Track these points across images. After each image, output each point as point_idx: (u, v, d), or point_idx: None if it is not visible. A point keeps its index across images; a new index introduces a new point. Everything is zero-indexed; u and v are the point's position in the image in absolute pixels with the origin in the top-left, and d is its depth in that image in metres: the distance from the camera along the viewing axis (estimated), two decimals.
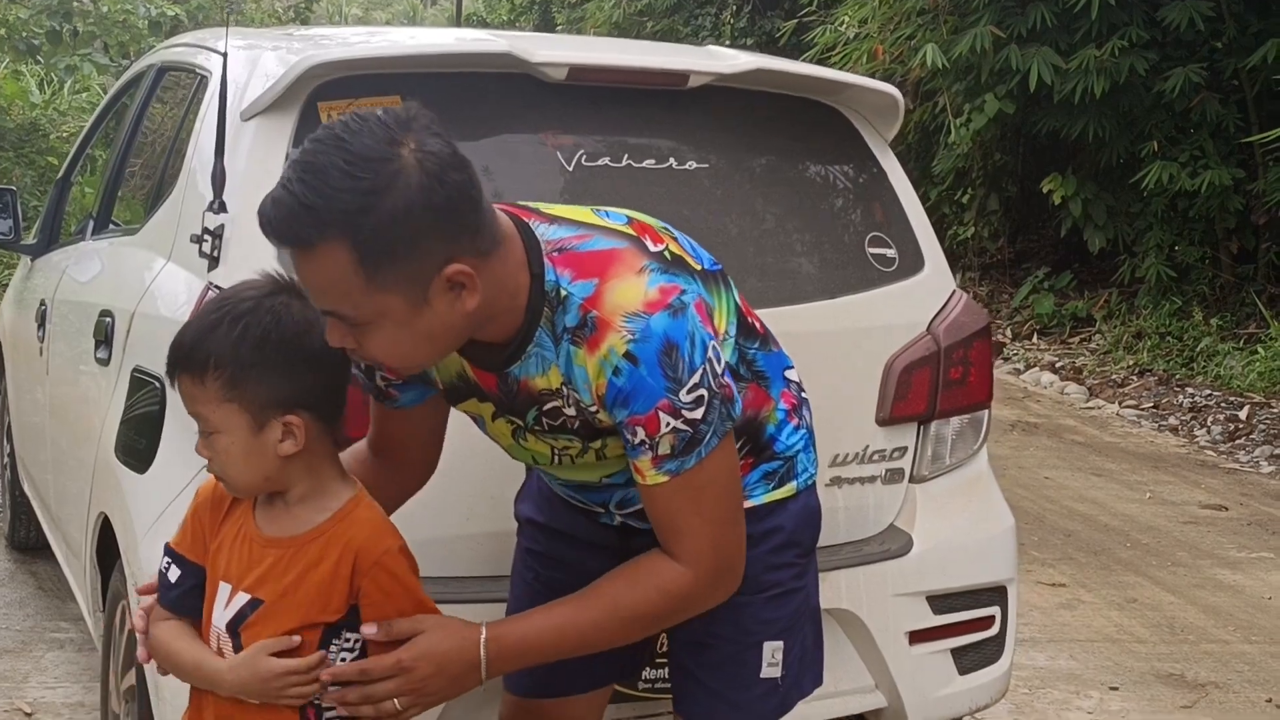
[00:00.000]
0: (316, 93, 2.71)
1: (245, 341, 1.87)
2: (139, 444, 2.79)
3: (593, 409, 1.98)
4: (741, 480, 2.12)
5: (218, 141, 2.62)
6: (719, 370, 1.95)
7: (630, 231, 2.03)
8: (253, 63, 2.91)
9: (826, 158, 3.12)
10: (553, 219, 2.02)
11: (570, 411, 2.01)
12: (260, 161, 2.66)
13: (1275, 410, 8.27)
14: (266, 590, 1.92)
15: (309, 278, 1.84)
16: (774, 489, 2.23)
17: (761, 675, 2.25)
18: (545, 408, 2.03)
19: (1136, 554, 5.68)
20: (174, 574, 2.00)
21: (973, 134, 11.38)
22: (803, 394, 2.30)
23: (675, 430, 1.92)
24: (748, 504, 2.17)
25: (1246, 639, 4.76)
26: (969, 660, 3.07)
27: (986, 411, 3.23)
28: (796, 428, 2.26)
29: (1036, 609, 4.93)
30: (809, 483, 2.29)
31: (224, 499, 1.99)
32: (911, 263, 3.09)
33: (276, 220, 1.79)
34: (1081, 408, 8.91)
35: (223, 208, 2.64)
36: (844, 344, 2.91)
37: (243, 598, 1.92)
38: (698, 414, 1.92)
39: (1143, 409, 8.73)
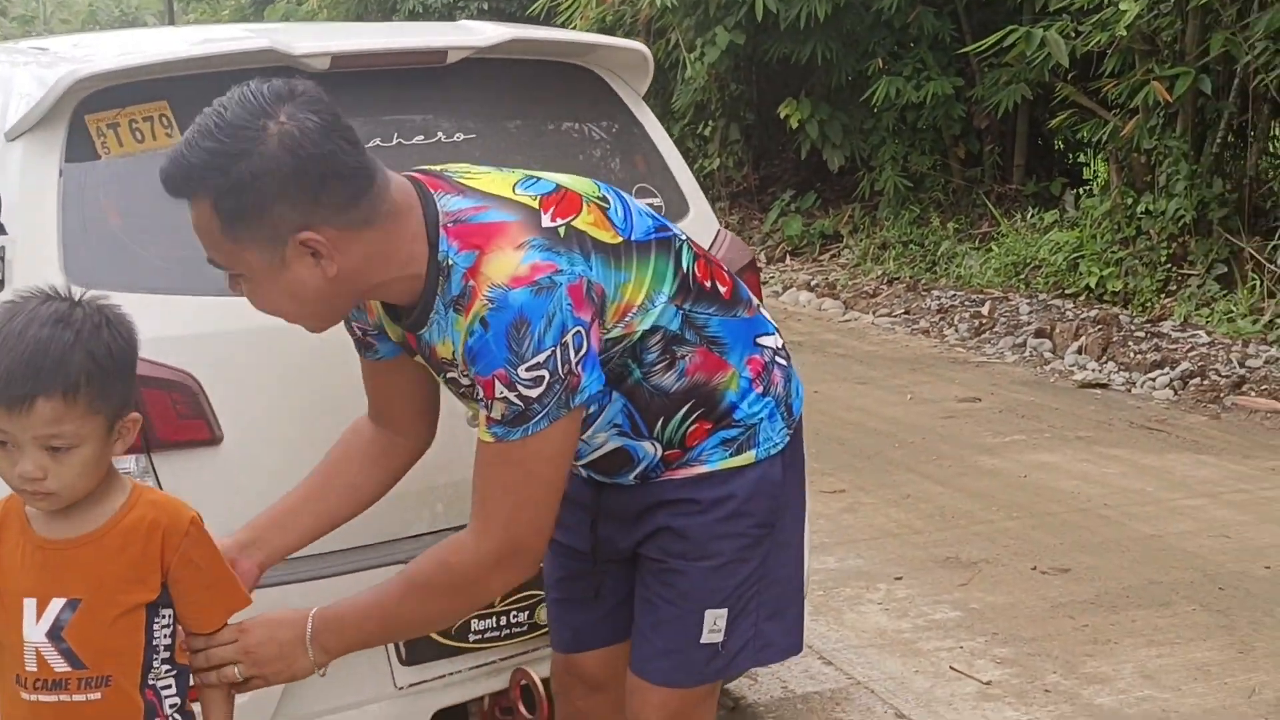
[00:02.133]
0: (83, 105, 2.73)
1: (105, 351, 1.92)
2: None
3: (445, 353, 2.11)
4: (564, 454, 2.11)
5: None
6: (573, 357, 2.00)
7: (532, 204, 2.10)
8: (6, 81, 2.91)
9: (587, 117, 3.29)
10: (462, 189, 2.11)
11: (465, 381, 2.11)
12: (33, 180, 2.68)
13: (1013, 303, 8.83)
14: (80, 589, 1.97)
15: (193, 223, 2.03)
16: (731, 456, 2.27)
17: (702, 640, 2.30)
18: (446, 376, 2.18)
19: (905, 453, 6.08)
20: None
21: (707, 67, 11.69)
22: (778, 360, 2.33)
23: (507, 401, 2.01)
24: (702, 469, 2.26)
25: (1009, 516, 5.17)
26: None
27: None
28: (761, 395, 2.28)
29: (822, 516, 5.24)
30: (771, 453, 2.30)
31: None
32: (678, 208, 3.29)
33: (165, 174, 2.00)
34: (839, 321, 9.35)
35: (0, 229, 2.66)
36: None
37: (57, 603, 1.96)
38: (533, 393, 1.99)
39: (895, 316, 9.21)
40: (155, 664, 2.07)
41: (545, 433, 2.04)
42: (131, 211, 2.75)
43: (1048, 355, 7.80)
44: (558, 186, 2.18)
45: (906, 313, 9.24)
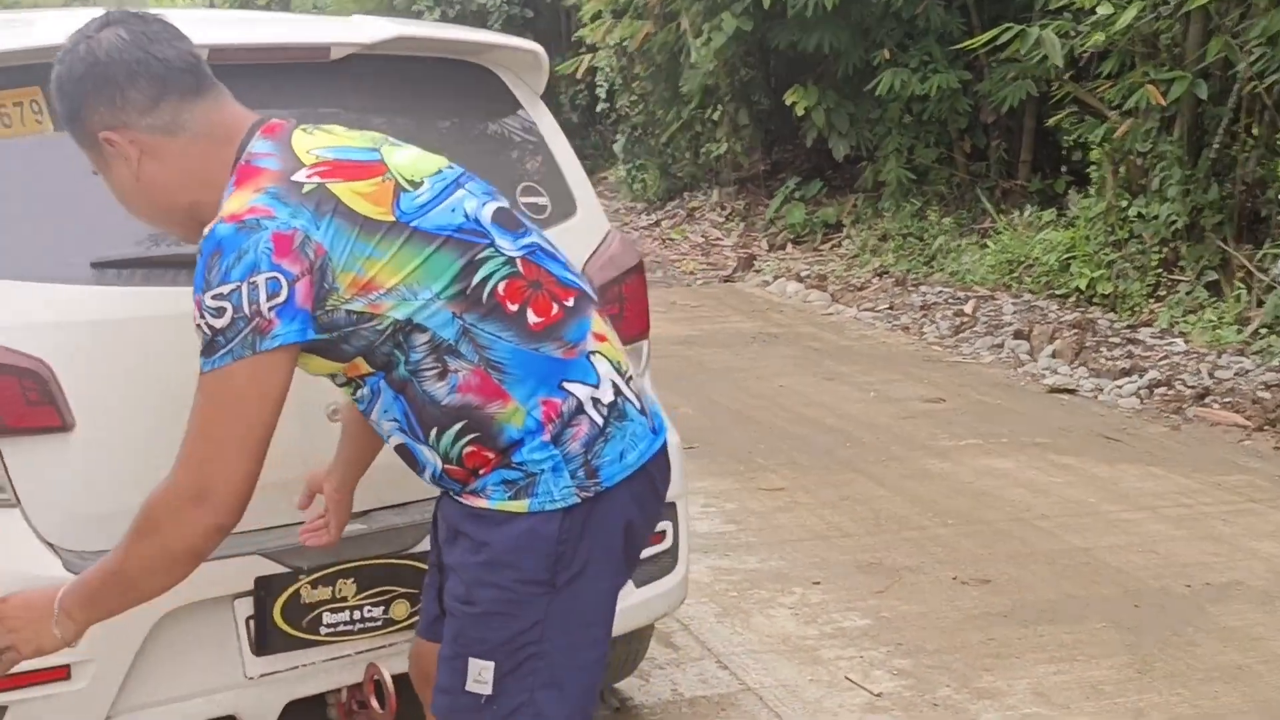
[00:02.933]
0: None
1: None
2: None
3: None
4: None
5: None
6: (263, 300, 2.03)
7: (305, 160, 2.15)
8: None
9: (478, 115, 3.29)
10: (278, 138, 2.19)
11: None
12: None
13: (997, 302, 8.78)
14: None
15: None
16: (508, 499, 2.19)
17: (466, 688, 2.23)
18: None
19: (856, 452, 6.06)
20: None
21: (714, 52, 11.66)
22: (589, 414, 2.21)
23: (199, 328, 2.08)
24: (483, 503, 2.19)
25: (943, 523, 5.16)
26: (644, 573, 3.31)
27: (645, 342, 3.45)
28: (547, 444, 2.18)
29: (755, 514, 5.26)
30: (547, 508, 2.18)
31: None
32: (564, 209, 3.29)
33: None
34: (822, 314, 9.32)
35: None
36: None
37: None
38: (217, 323, 2.05)
39: (879, 311, 9.18)
40: None
41: (230, 369, 2.07)
42: None
43: (1024, 357, 7.76)
44: (374, 158, 2.21)
45: (890, 308, 9.20)
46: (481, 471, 2.21)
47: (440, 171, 2.26)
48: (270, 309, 2.04)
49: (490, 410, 2.17)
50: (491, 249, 2.19)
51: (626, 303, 3.32)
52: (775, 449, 6.09)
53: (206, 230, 2.07)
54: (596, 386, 2.23)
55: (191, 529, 2.12)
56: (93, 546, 2.70)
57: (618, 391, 2.26)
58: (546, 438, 2.17)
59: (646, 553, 3.28)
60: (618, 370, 2.28)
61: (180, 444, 2.15)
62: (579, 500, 2.19)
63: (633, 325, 3.36)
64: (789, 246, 11.80)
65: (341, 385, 2.32)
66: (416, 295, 2.13)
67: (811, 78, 11.79)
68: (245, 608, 2.83)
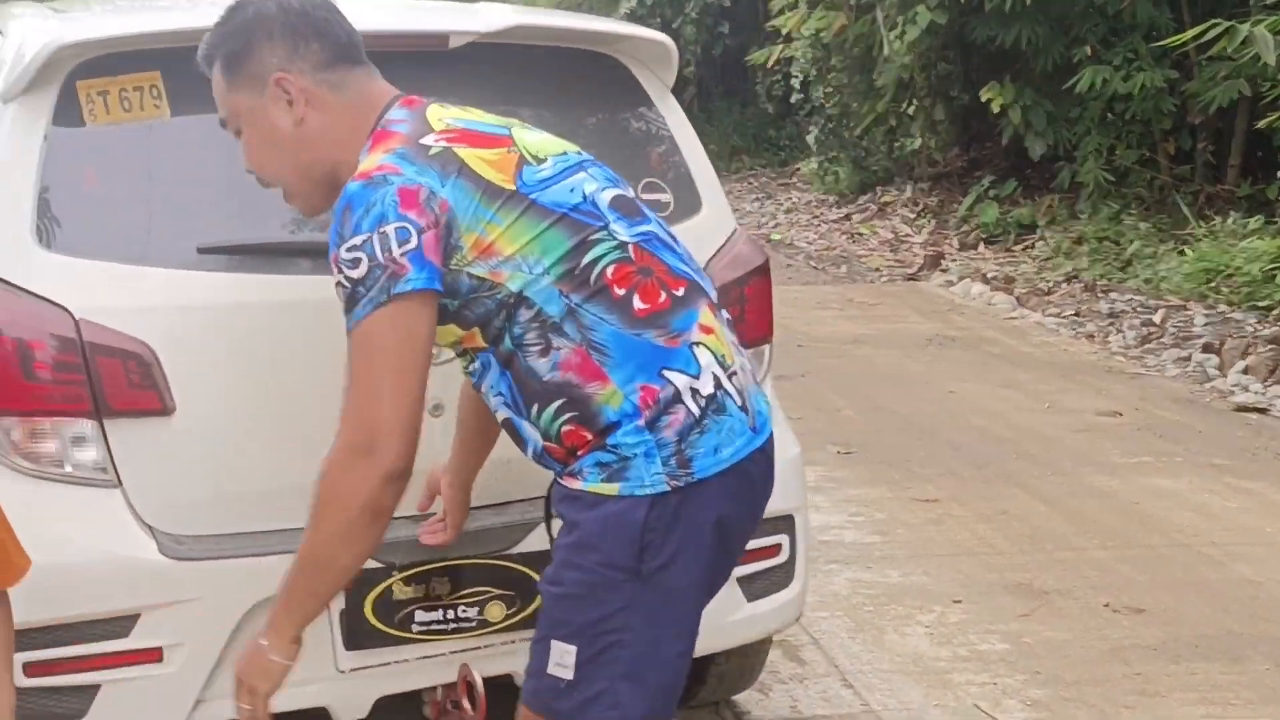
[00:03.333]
0: (76, 72, 2.78)
1: None
2: None
3: None
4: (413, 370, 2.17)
5: None
6: (394, 248, 2.11)
7: (434, 125, 2.25)
8: (19, 43, 2.98)
9: (602, 106, 3.21)
10: (415, 108, 2.30)
11: None
12: (17, 145, 2.73)
13: (1189, 313, 8.37)
14: None
15: (215, 95, 2.37)
16: (601, 481, 2.20)
17: (548, 671, 2.23)
18: None
19: (1019, 465, 5.82)
20: None
21: (908, 45, 11.39)
22: (687, 405, 2.20)
23: (340, 284, 2.16)
24: (579, 485, 2.21)
25: (1102, 544, 4.90)
26: (757, 587, 3.19)
27: (768, 346, 3.32)
28: (642, 430, 2.18)
29: (904, 526, 5.08)
30: (636, 494, 2.18)
31: None
32: (688, 206, 3.18)
33: (198, 55, 2.38)
34: (1005, 318, 9.01)
35: None
36: None
37: None
38: (354, 273, 2.13)
39: (1064, 317, 8.83)
40: None
41: (373, 318, 2.13)
42: (108, 180, 2.79)
43: (1211, 372, 7.37)
44: (503, 133, 2.30)
45: (1076, 314, 8.84)
46: (580, 452, 2.22)
47: (565, 154, 2.33)
48: (402, 255, 2.12)
49: (589, 390, 2.19)
50: (605, 232, 2.23)
51: (749, 304, 3.19)
52: (934, 458, 5.88)
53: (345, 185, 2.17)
54: (696, 377, 2.23)
55: (366, 483, 2.15)
56: (188, 531, 2.72)
57: (718, 385, 2.25)
58: (641, 423, 2.19)
59: (757, 566, 3.20)
60: (720, 363, 2.27)
61: (342, 413, 2.20)
62: (669, 489, 2.18)
63: (755, 328, 3.23)
64: (980, 246, 11.46)
65: (459, 355, 2.37)
66: (530, 268, 2.19)
67: (1010, 74, 11.42)
68: (338, 601, 2.80)
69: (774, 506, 3.14)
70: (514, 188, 2.20)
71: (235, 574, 2.70)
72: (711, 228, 3.19)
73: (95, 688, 2.67)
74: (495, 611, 2.90)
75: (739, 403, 2.27)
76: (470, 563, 2.86)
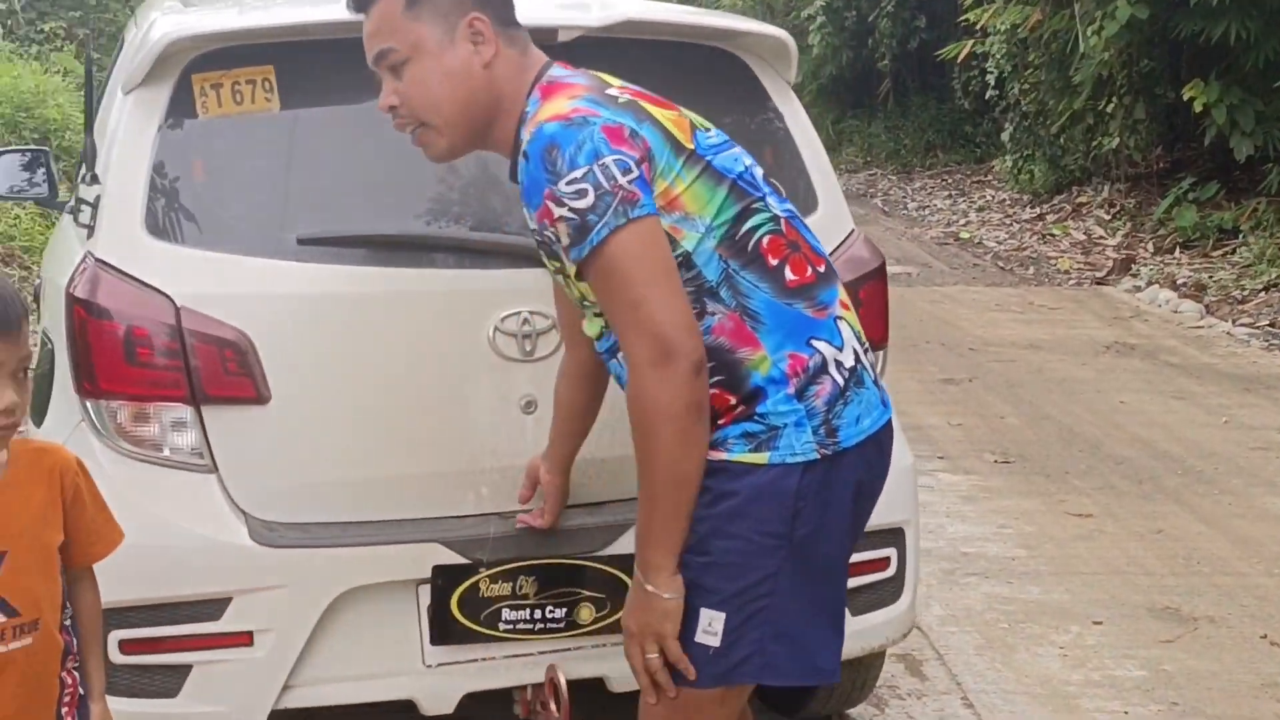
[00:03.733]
0: (192, 65, 2.84)
1: None
2: (39, 399, 3.01)
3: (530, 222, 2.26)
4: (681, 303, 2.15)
5: (86, 116, 2.78)
6: (619, 176, 2.12)
7: (609, 81, 2.30)
8: (146, 34, 3.05)
9: (717, 101, 3.12)
10: (576, 68, 2.36)
11: (540, 236, 2.26)
12: (134, 134, 2.80)
13: None
14: (4, 540, 2.08)
15: (370, 27, 2.33)
16: (749, 451, 2.22)
17: (696, 639, 2.24)
18: (543, 249, 2.30)
19: (1185, 481, 5.55)
20: None
21: (1105, 41, 10.98)
22: (832, 375, 2.25)
23: (564, 219, 2.15)
24: (723, 455, 2.21)
25: (1268, 571, 4.63)
26: (863, 600, 3.09)
27: (881, 352, 3.21)
28: (791, 398, 2.22)
29: (1052, 540, 4.89)
30: (788, 460, 2.21)
31: None
32: (804, 204, 3.09)
33: None
34: (1190, 327, 8.62)
35: (95, 179, 2.81)
36: None
37: None
38: (582, 204, 2.12)
39: (1257, 327, 8.41)
40: (66, 604, 2.20)
41: (616, 238, 2.13)
42: (214, 171, 2.84)
43: None
44: (669, 101, 2.34)
45: (1271, 325, 8.41)
46: (722, 422, 2.23)
47: (719, 129, 2.38)
48: (629, 182, 2.14)
49: (740, 355, 2.22)
50: (763, 204, 2.28)
51: (863, 306, 3.08)
52: (1094, 470, 5.65)
53: (529, 133, 2.19)
54: (840, 350, 2.28)
55: (681, 383, 2.12)
56: (279, 518, 2.76)
57: (858, 358, 2.31)
58: (791, 390, 2.22)
59: (864, 579, 3.11)
60: (858, 339, 2.34)
61: (618, 337, 2.20)
62: (818, 457, 2.22)
63: (869, 331, 3.07)
64: (1176, 251, 11.00)
65: (595, 316, 2.35)
66: (696, 225, 2.22)
67: (1218, 70, 10.91)
68: (427, 595, 2.81)
69: (883, 519, 3.06)
70: (692, 147, 2.25)
71: (322, 563, 2.73)
72: (828, 226, 3.10)
73: (187, 668, 2.72)
74: (584, 614, 2.87)
75: (872, 377, 2.36)
76: (559, 563, 2.84)
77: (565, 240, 2.17)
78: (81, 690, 2.28)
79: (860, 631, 3.11)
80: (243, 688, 2.73)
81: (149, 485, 2.71)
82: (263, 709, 2.74)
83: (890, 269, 3.59)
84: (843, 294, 2.37)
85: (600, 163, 2.13)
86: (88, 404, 2.72)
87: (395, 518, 2.80)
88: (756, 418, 2.22)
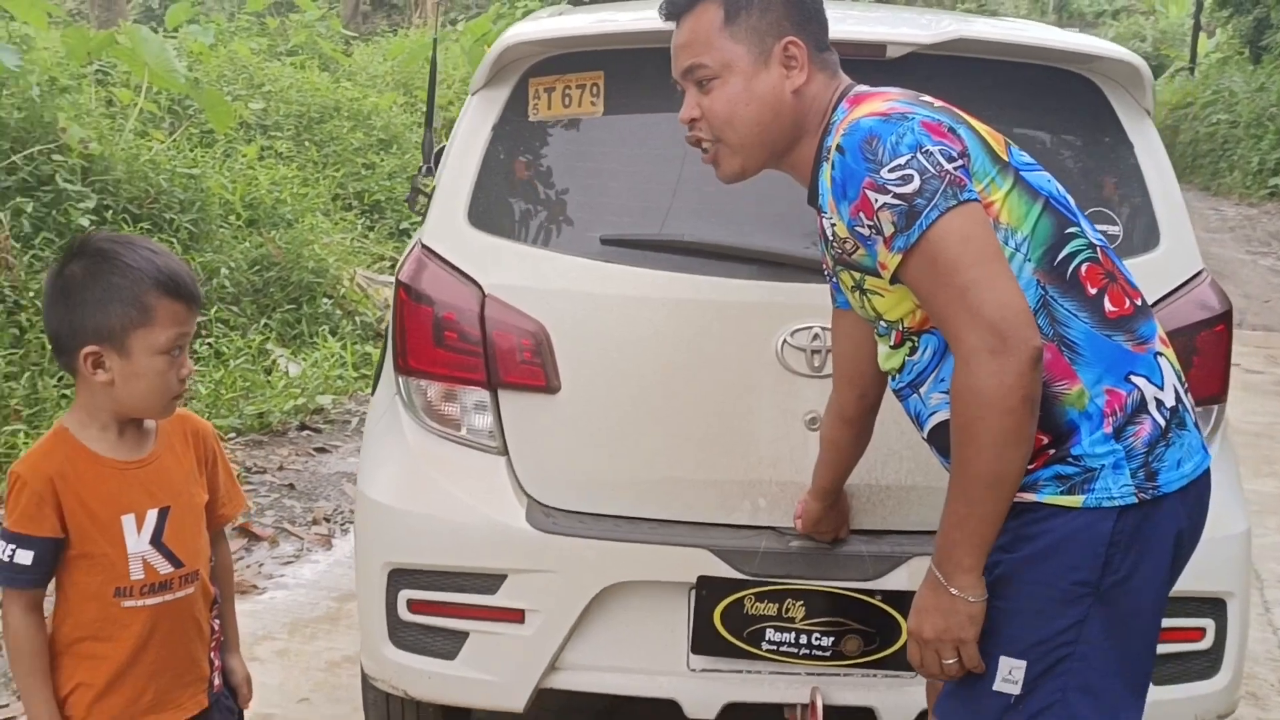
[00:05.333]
0: (531, 70, 2.98)
1: None
2: (376, 371, 3.27)
3: (832, 222, 2.23)
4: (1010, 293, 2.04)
5: (428, 112, 2.98)
6: (945, 163, 2.07)
7: (927, 98, 2.26)
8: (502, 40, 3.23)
9: (1054, 126, 2.96)
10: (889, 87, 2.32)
11: (849, 245, 2.22)
12: (471, 132, 2.99)
13: None
14: (166, 497, 2.28)
15: (681, 39, 2.35)
16: (1060, 494, 2.11)
17: (994, 687, 2.14)
18: (842, 265, 2.29)
19: None
20: (25, 557, 2.19)
21: None
22: (1152, 414, 2.12)
23: (888, 206, 2.08)
24: (1030, 497, 2.11)
25: None
26: (1167, 671, 2.83)
27: (1218, 406, 2.92)
28: (1109, 437, 2.11)
29: None
30: (1103, 504, 2.09)
31: (65, 473, 2.21)
32: (1144, 240, 2.88)
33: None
34: None
35: (430, 172, 3.01)
36: None
37: (152, 514, 2.27)
38: (908, 189, 2.06)
39: None
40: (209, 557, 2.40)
41: (945, 220, 2.05)
42: (535, 170, 2.98)
43: None
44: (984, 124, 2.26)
45: None
46: (1031, 466, 2.11)
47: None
48: (955, 169, 2.09)
49: (1055, 389, 2.11)
50: (1078, 229, 2.18)
51: (1198, 354, 2.85)
52: None
53: (841, 132, 2.15)
54: (1161, 388, 2.16)
55: (1016, 375, 1.99)
56: (558, 504, 2.87)
57: (1179, 398, 2.18)
58: (1108, 429, 2.11)
59: (1173, 648, 2.86)
60: (1179, 378, 2.21)
61: (945, 334, 2.10)
62: (1136, 501, 2.10)
63: (1205, 384, 2.87)
64: None
65: (893, 347, 2.31)
66: (1015, 246, 2.13)
67: None
68: (691, 606, 2.83)
69: (1202, 585, 2.85)
70: (1007, 159, 2.19)
71: (592, 554, 2.81)
72: (1170, 265, 2.88)
73: (464, 635, 2.89)
74: (851, 645, 2.81)
75: (1193, 419, 2.21)
76: (828, 590, 2.79)
77: (889, 229, 2.09)
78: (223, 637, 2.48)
79: (1162, 702, 2.86)
80: (512, 662, 2.87)
81: (445, 460, 2.89)
82: (529, 685, 2.87)
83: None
84: (1161, 330, 2.23)
85: (924, 149, 2.08)
86: (399, 380, 2.93)
87: (668, 518, 2.85)
88: (1071, 459, 2.11)
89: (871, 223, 2.11)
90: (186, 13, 11.81)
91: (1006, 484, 2.06)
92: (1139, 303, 2.20)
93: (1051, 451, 2.11)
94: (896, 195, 2.06)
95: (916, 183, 2.05)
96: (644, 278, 2.84)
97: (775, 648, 2.82)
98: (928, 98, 2.25)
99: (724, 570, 2.78)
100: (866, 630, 2.80)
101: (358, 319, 7.93)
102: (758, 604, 2.80)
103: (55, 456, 2.22)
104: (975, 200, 2.08)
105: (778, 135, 2.30)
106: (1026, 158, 2.24)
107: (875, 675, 2.84)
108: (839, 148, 2.14)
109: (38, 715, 2.22)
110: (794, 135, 2.30)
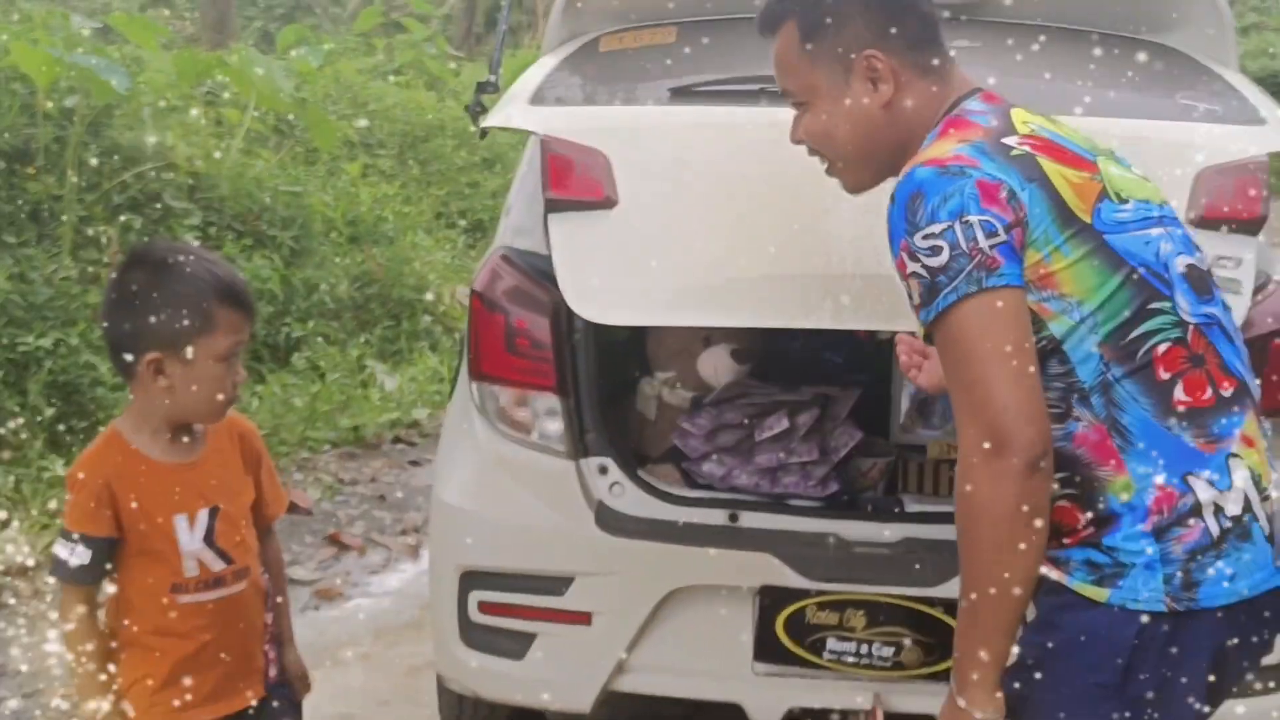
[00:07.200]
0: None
1: None
2: (455, 375, 3.35)
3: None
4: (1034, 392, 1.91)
5: (500, 22, 3.23)
6: (981, 239, 1.92)
7: (1018, 128, 2.07)
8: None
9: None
10: (997, 104, 2.15)
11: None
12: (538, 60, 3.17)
13: None
14: (216, 497, 2.37)
15: (775, 58, 2.29)
16: (1089, 583, 1.99)
17: None
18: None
19: None
20: (83, 555, 2.28)
21: None
22: (1206, 523, 1.95)
23: (915, 275, 1.97)
24: (1061, 577, 2.00)
25: None
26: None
27: None
28: (1147, 535, 1.96)
29: None
30: (1128, 606, 1.95)
31: (121, 475, 2.29)
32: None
33: (759, 15, 2.31)
34: None
35: (495, 87, 3.25)
36: None
37: (204, 514, 2.35)
38: (934, 262, 1.94)
39: None
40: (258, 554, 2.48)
41: (963, 308, 1.93)
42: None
43: None
44: (1089, 157, 2.07)
45: None
46: (1067, 541, 2.01)
47: (1149, 201, 2.08)
48: (991, 247, 1.93)
49: (1099, 474, 1.98)
50: (1169, 303, 2.00)
51: (1269, 366, 2.78)
52: None
53: (903, 174, 2.03)
54: (1225, 493, 1.97)
55: (1010, 481, 1.88)
56: (624, 509, 2.86)
57: (1248, 507, 1.98)
58: (1148, 528, 1.96)
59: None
60: (1256, 483, 2.00)
61: (956, 425, 1.97)
62: (1165, 610, 1.95)
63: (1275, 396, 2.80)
64: None
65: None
66: (1079, 317, 1.97)
67: None
68: (755, 612, 2.88)
69: None
70: (1089, 220, 1.99)
71: (657, 558, 2.84)
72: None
73: (532, 636, 2.95)
74: (911, 657, 2.84)
75: (1267, 532, 2.00)
76: (889, 601, 2.81)
77: (915, 298, 1.99)
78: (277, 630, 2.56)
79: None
80: (579, 663, 2.92)
81: (516, 464, 2.95)
82: (595, 685, 2.92)
83: None
84: (1250, 425, 2.02)
85: (964, 219, 1.93)
86: (473, 385, 3.00)
87: (733, 525, 2.87)
88: (1104, 548, 1.97)
89: (905, 285, 2.01)
90: (297, 35, 12.09)
91: (1006, 598, 1.91)
92: (1226, 393, 2.00)
93: (1090, 531, 1.99)
94: (924, 266, 1.95)
95: (944, 257, 1.93)
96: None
97: (836, 657, 2.85)
98: (1016, 136, 2.05)
99: (788, 576, 2.80)
100: (927, 641, 2.82)
101: (457, 335, 8.06)
102: (819, 613, 2.83)
103: (110, 459, 2.31)
104: (1009, 285, 1.93)
105: (879, 150, 2.21)
106: (1130, 212, 2.03)
107: (938, 682, 2.85)
108: (892, 195, 2.02)
109: (93, 706, 2.32)
110: (901, 145, 2.17)
